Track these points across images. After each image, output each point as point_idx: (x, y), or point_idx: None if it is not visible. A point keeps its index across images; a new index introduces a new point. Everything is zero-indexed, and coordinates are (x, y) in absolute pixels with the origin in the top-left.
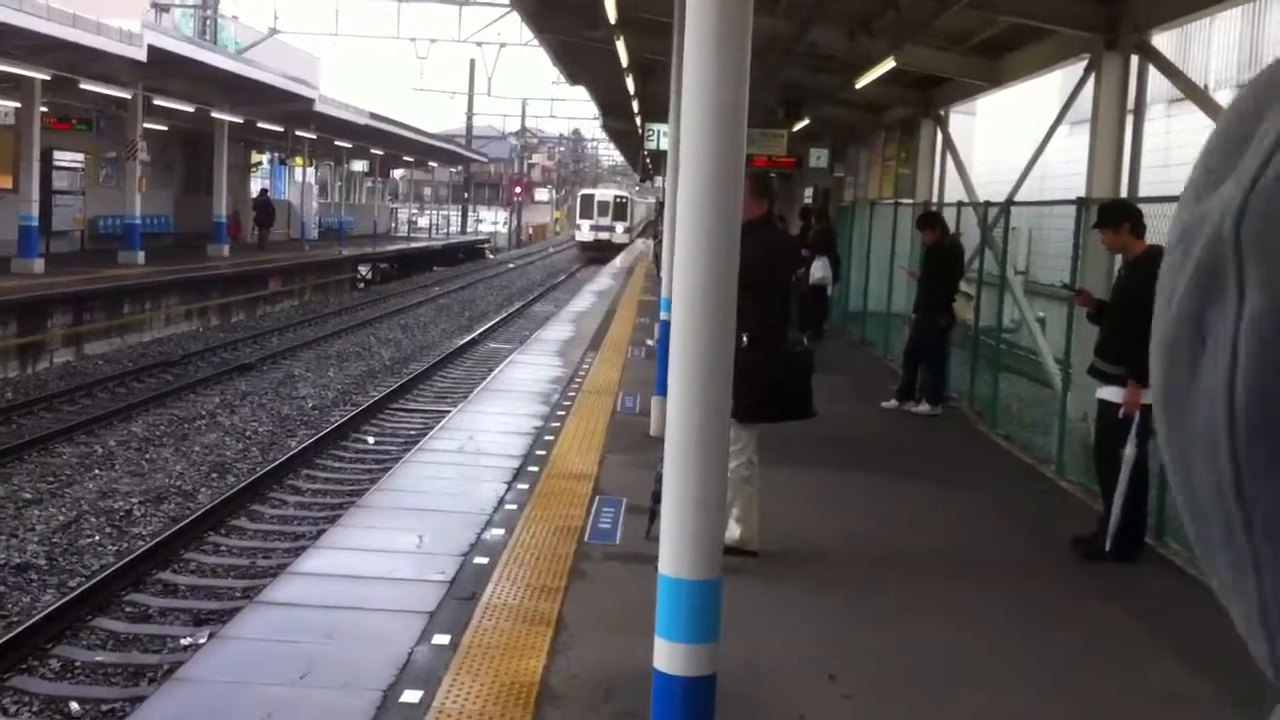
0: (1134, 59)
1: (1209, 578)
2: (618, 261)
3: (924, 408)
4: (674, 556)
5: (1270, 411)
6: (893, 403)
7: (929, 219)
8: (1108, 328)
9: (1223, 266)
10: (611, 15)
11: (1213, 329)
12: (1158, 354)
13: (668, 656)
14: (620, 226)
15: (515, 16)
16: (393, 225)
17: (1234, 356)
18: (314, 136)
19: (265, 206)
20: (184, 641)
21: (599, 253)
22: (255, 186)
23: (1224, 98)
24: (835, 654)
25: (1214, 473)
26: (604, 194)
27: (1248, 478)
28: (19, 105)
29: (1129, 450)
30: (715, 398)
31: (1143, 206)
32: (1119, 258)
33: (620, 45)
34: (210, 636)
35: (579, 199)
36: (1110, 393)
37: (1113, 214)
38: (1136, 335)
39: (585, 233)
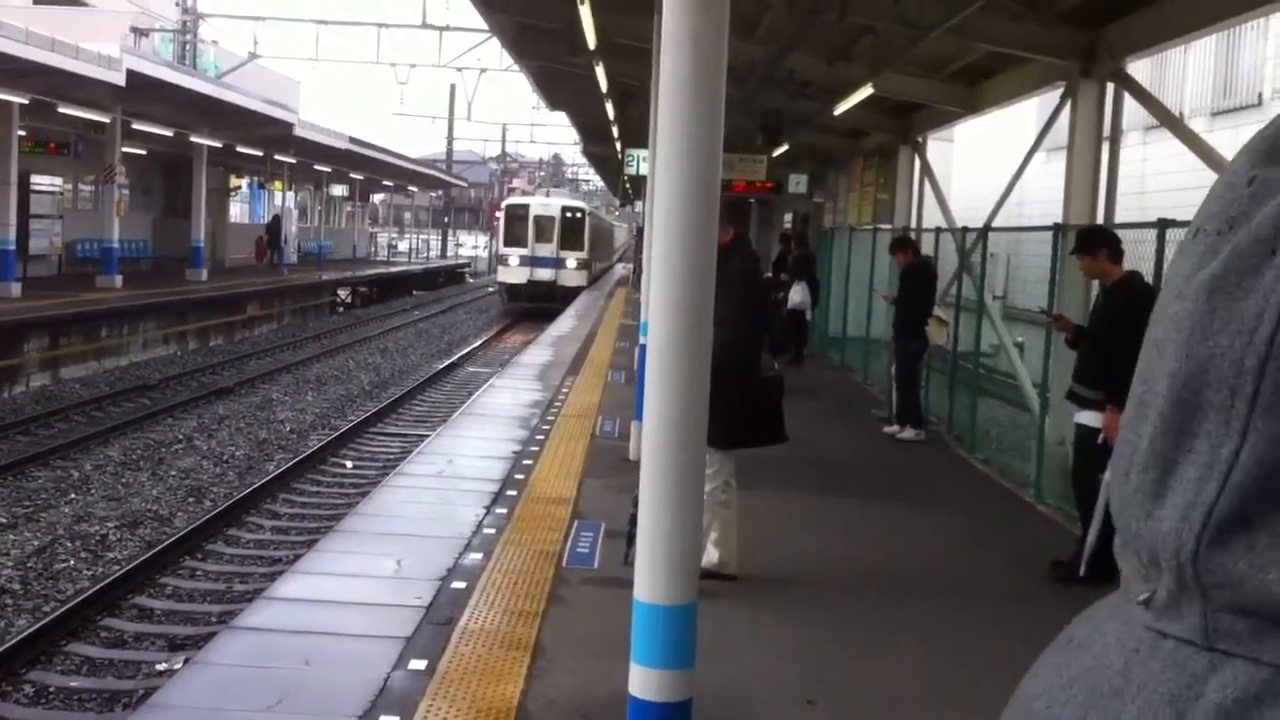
0: (1110, 86)
1: (1130, 471)
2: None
3: (909, 433)
4: (649, 581)
5: None
6: (894, 427)
7: (901, 242)
8: (1086, 352)
9: None
10: (591, 42)
11: None
12: (1222, 261)
13: (643, 682)
14: (574, 259)
15: (495, 42)
16: (372, 249)
17: None
18: (293, 161)
19: (276, 230)
20: (159, 667)
21: (535, 303)
22: (235, 210)
23: (1199, 125)
24: (814, 678)
25: (1242, 350)
26: (545, 205)
27: (1275, 355)
28: None
29: (1108, 475)
30: (691, 423)
31: (1119, 233)
32: (1096, 283)
33: (600, 71)
34: (185, 662)
35: (503, 212)
36: (1088, 417)
37: (1090, 240)
38: (1115, 360)
39: (512, 269)
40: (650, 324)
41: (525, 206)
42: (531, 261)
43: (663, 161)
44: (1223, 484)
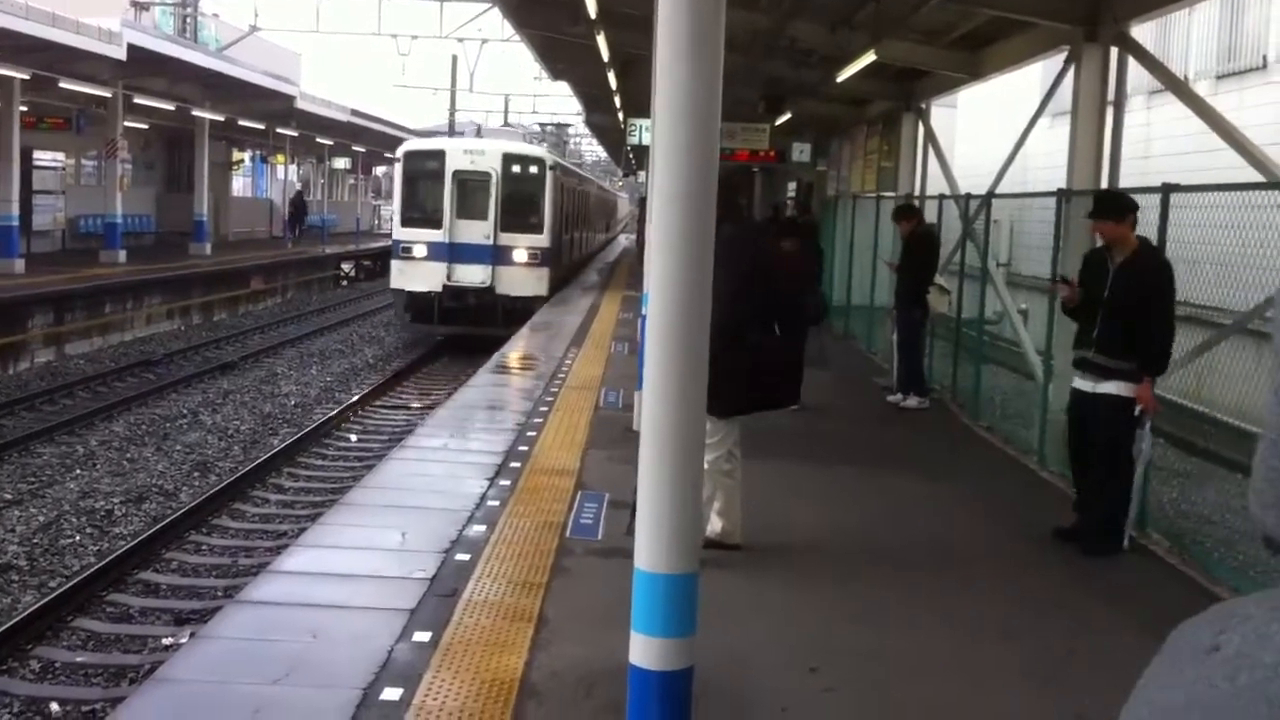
0: (1114, 51)
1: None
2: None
3: (913, 401)
4: (649, 550)
5: None
6: (898, 395)
7: (904, 210)
8: (1109, 322)
9: None
10: (592, 10)
11: None
12: None
13: (644, 651)
14: (526, 249)
15: (497, 12)
16: (376, 222)
17: None
18: (295, 134)
19: (300, 205)
20: (165, 641)
21: (458, 327)
22: (238, 184)
23: (1204, 89)
24: (817, 647)
25: None
26: (473, 154)
27: None
28: None
29: (1146, 445)
30: (690, 391)
31: None
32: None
33: (601, 40)
34: (191, 636)
35: (398, 166)
36: (1118, 387)
37: (1120, 206)
38: (1149, 331)
39: (415, 266)
40: (650, 293)
41: (437, 156)
42: (449, 253)
43: (661, 130)
44: None
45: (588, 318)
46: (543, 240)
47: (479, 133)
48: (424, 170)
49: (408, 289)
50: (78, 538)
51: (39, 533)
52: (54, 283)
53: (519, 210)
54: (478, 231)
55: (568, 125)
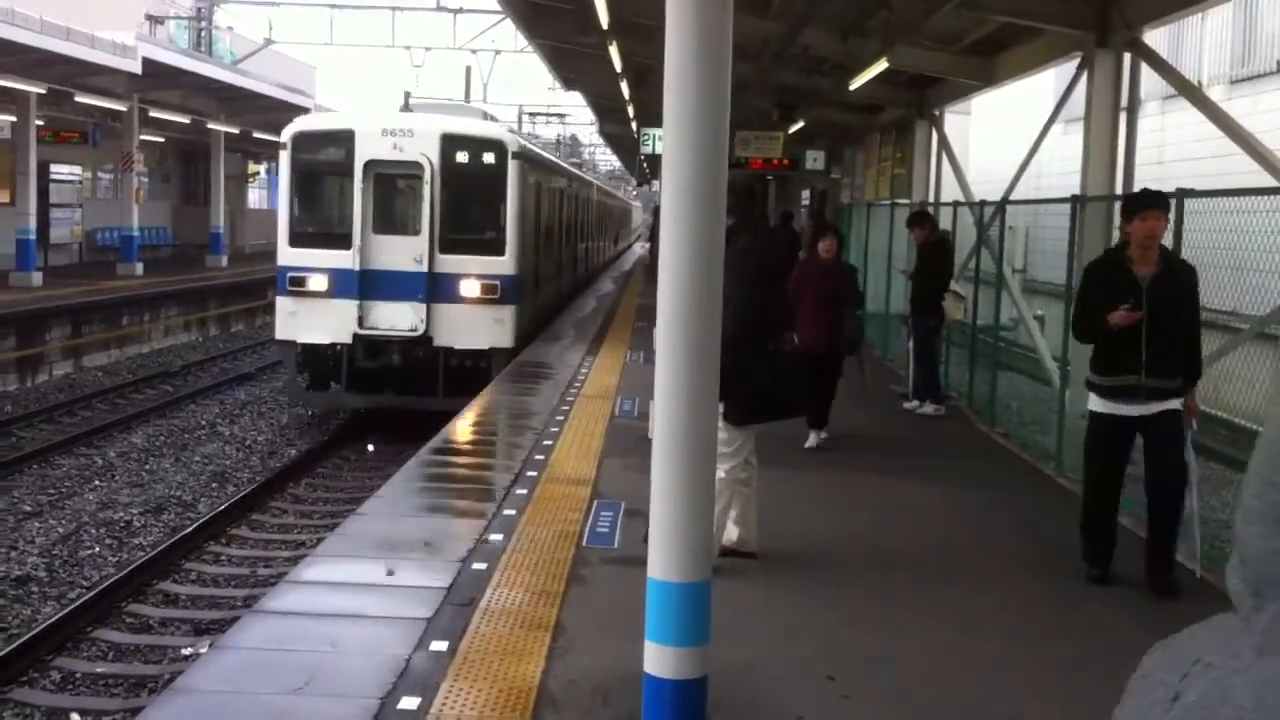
0: (1126, 56)
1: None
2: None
3: (929, 408)
4: (662, 559)
5: None
6: (914, 402)
7: (918, 217)
8: (1160, 340)
9: None
10: (604, 20)
11: None
12: None
13: (658, 659)
14: (479, 277)
15: (510, 24)
16: None
17: None
18: None
19: None
20: (184, 651)
21: (376, 400)
22: (253, 196)
23: (1218, 94)
24: (834, 655)
25: None
26: (398, 137)
27: None
28: (14, 119)
29: (1193, 460)
30: (702, 401)
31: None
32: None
33: (613, 50)
34: (210, 646)
35: (284, 156)
36: (1176, 402)
37: (1166, 200)
38: (1192, 339)
39: (310, 307)
40: (661, 302)
41: (341, 139)
42: (361, 287)
43: (671, 139)
44: None
45: (602, 326)
46: (504, 264)
47: (406, 103)
48: (322, 161)
49: (301, 340)
50: (97, 549)
51: (58, 544)
52: (72, 295)
53: (468, 220)
54: (405, 253)
55: (562, 116)
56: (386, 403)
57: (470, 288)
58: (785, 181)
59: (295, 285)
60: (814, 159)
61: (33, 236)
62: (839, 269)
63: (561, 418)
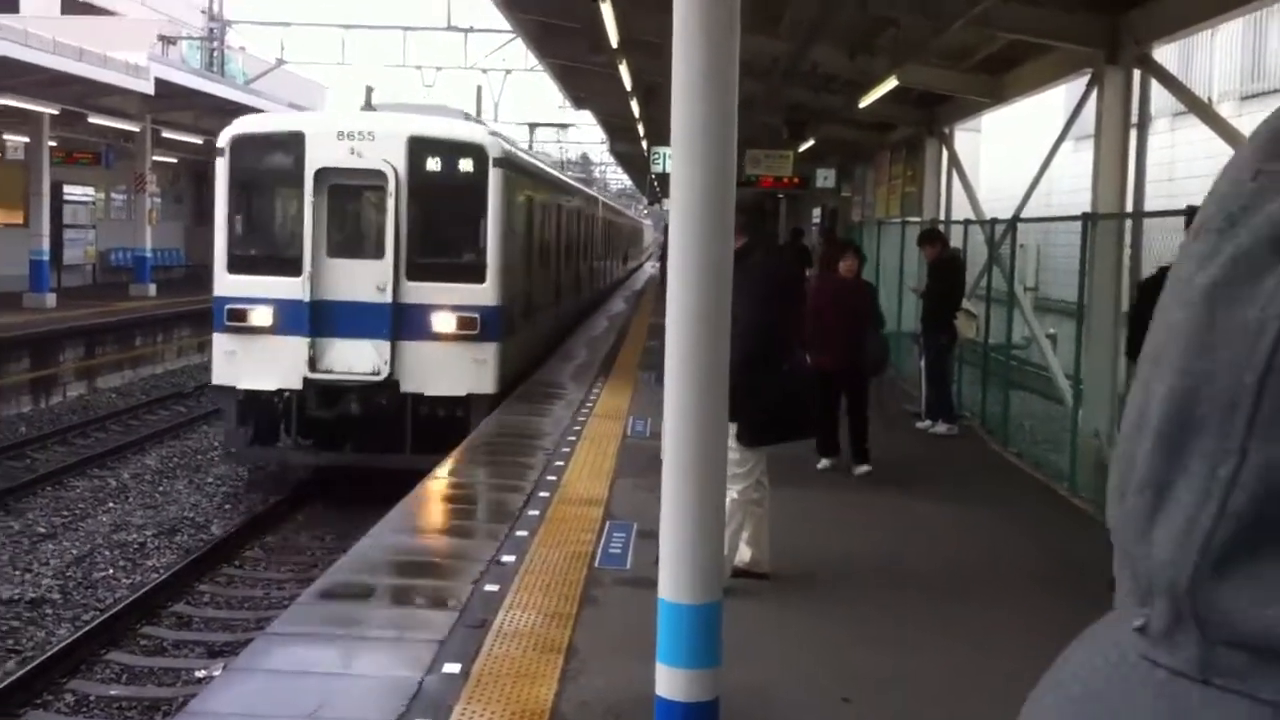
0: (1136, 73)
1: (1126, 491)
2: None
3: (942, 428)
4: (673, 580)
5: None
6: (926, 422)
7: (929, 235)
8: None
9: None
10: (613, 39)
11: None
12: (1222, 265)
13: (669, 682)
14: (452, 309)
15: (521, 43)
16: None
17: None
18: None
19: None
20: (198, 674)
21: (331, 457)
22: None
23: (1228, 110)
24: (849, 676)
25: (1241, 364)
26: (356, 141)
27: (1276, 370)
28: (28, 140)
29: None
30: (711, 421)
31: (1147, 222)
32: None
33: (623, 68)
34: (224, 669)
35: (221, 164)
36: None
37: None
38: None
39: (253, 347)
40: (669, 324)
41: (289, 142)
42: (313, 321)
43: (679, 157)
44: (1221, 509)
45: (614, 346)
46: (485, 293)
47: (368, 101)
48: (267, 170)
49: (242, 386)
50: (110, 570)
51: (72, 566)
52: (85, 316)
53: (442, 240)
54: (365, 280)
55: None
56: (343, 460)
57: (444, 322)
58: (796, 200)
59: (235, 320)
60: (824, 177)
61: (46, 257)
62: (860, 288)
63: (573, 438)
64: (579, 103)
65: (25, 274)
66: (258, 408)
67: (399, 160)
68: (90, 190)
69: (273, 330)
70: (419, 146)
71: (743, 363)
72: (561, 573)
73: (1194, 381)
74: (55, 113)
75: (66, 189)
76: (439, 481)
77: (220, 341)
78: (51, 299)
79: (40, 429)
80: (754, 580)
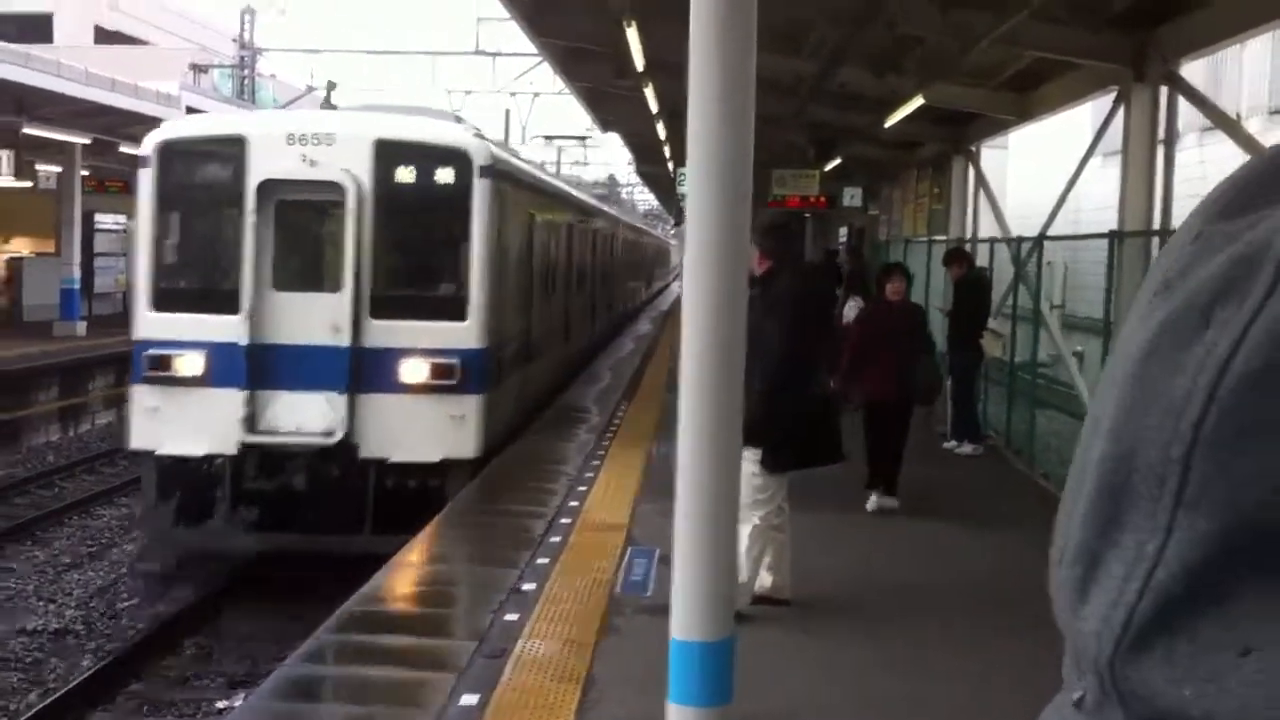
0: (1163, 90)
1: (1062, 560)
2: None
3: (967, 448)
4: (684, 617)
5: (1250, 394)
6: (952, 442)
7: (954, 254)
8: None
9: (1259, 269)
10: (639, 64)
11: (1218, 317)
12: (1154, 329)
13: None
14: (427, 346)
15: (548, 66)
16: None
17: (1239, 339)
18: None
19: None
20: (219, 705)
21: (284, 535)
22: None
23: (1256, 125)
24: (869, 703)
25: (1170, 435)
26: (309, 147)
27: (1202, 444)
28: (60, 169)
29: None
30: (724, 455)
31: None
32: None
33: (649, 91)
34: (244, 700)
35: (149, 169)
36: None
37: None
38: None
39: (172, 405)
40: (683, 352)
41: (228, 148)
42: (251, 370)
43: (693, 179)
44: (1144, 584)
45: (640, 366)
46: (466, 333)
47: (329, 98)
48: (200, 183)
49: (164, 451)
50: (135, 600)
51: (95, 596)
52: (115, 345)
53: (414, 268)
54: (318, 318)
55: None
56: (289, 544)
57: (414, 370)
58: (823, 219)
59: (158, 369)
60: (851, 196)
61: (77, 286)
62: (911, 311)
63: (597, 461)
64: (606, 125)
65: (56, 303)
66: (183, 478)
67: (362, 169)
68: (122, 218)
69: (203, 381)
70: (387, 152)
71: (768, 391)
72: (582, 600)
73: (1127, 448)
74: (87, 142)
75: (98, 217)
76: (461, 508)
77: (140, 395)
78: (82, 327)
79: (69, 457)
80: (775, 606)
